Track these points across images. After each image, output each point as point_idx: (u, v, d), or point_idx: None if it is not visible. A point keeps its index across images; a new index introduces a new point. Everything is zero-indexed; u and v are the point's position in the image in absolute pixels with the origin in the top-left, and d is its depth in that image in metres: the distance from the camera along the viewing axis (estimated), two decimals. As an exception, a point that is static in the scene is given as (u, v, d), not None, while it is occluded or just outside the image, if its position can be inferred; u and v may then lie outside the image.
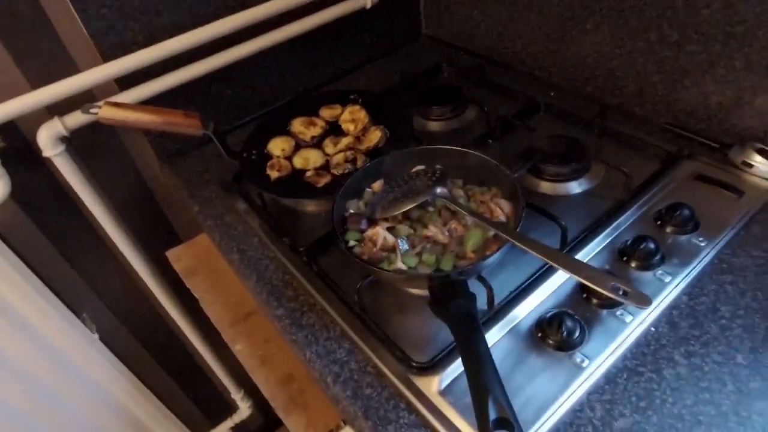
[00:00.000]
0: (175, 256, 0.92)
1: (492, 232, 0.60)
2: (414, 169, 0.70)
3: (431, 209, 0.65)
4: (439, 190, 0.63)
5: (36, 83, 0.81)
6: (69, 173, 0.85)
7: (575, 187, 0.74)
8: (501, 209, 0.62)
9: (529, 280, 0.61)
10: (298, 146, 0.85)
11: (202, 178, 0.90)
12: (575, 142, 0.77)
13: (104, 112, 0.73)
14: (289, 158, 0.82)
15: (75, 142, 0.86)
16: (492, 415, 0.39)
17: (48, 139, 0.79)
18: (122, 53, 0.79)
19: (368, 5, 1.02)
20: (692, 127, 0.78)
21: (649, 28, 0.77)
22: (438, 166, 0.68)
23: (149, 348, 1.20)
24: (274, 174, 0.79)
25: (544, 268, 0.62)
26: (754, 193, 0.67)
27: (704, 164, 0.72)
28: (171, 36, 0.82)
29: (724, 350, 0.52)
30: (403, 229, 0.62)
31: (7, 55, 0.79)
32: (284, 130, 0.87)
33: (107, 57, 0.81)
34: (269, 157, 0.83)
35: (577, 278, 0.48)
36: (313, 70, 1.08)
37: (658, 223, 0.66)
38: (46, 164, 0.85)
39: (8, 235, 0.89)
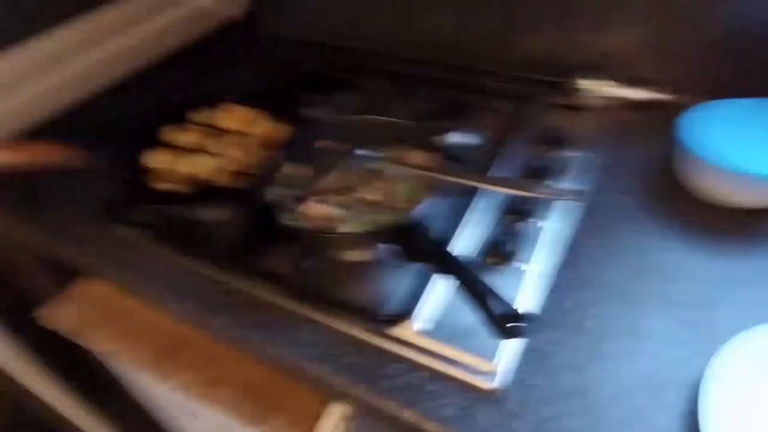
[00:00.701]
0: (50, 315, 0.76)
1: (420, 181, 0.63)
2: (320, 145, 0.70)
3: (352, 174, 0.66)
4: (357, 152, 0.64)
5: None
6: None
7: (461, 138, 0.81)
8: (417, 160, 0.66)
9: (464, 216, 0.65)
10: (176, 155, 0.78)
11: (61, 223, 0.77)
12: (446, 100, 0.85)
13: None
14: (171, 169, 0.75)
15: None
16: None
17: None
18: None
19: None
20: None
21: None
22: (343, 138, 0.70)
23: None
24: (162, 186, 0.71)
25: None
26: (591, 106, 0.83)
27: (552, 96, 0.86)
28: None
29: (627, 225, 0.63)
30: (333, 197, 0.62)
31: None
32: (154, 142, 0.79)
33: None
34: (146, 171, 0.75)
35: (517, 193, 0.53)
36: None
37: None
38: None
39: None
